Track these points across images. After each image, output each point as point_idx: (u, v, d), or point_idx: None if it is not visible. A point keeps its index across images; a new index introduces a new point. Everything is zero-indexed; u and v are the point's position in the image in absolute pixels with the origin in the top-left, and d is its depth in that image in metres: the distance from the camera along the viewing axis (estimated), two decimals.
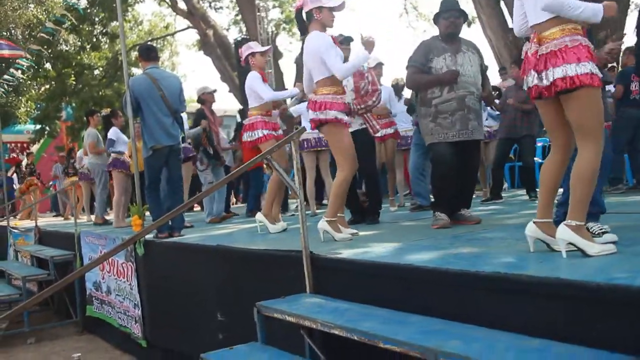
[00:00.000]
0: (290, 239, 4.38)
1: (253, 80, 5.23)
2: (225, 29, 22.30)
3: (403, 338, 2.22)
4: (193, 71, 61.06)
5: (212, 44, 19.77)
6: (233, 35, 21.93)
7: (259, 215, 5.14)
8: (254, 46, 5.50)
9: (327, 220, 3.97)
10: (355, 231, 4.09)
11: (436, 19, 4.48)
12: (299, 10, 4.21)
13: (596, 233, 2.88)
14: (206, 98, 7.43)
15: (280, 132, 5.27)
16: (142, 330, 5.72)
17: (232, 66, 18.97)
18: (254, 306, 3.17)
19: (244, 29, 20.02)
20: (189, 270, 4.83)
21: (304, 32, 4.29)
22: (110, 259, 6.65)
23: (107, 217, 8.88)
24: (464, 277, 2.44)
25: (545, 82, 2.65)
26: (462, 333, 2.21)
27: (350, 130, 4.31)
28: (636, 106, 6.63)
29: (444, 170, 4.28)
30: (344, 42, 5.16)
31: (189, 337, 4.80)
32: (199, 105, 7.56)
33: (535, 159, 9.45)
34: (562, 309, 2.08)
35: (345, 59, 4.65)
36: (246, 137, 5.27)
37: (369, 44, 4.05)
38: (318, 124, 4.08)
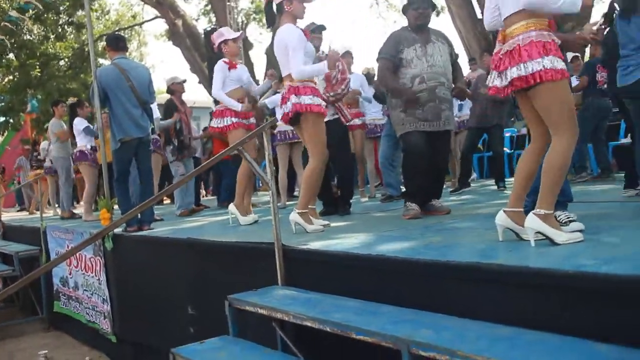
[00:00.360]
0: (262, 231, 4.35)
1: (216, 71, 5.09)
2: (194, 19, 22.00)
3: (375, 328, 2.22)
4: (162, 62, 60.18)
5: (181, 34, 19.48)
6: (202, 25, 21.64)
7: (231, 207, 5.08)
8: (226, 33, 5.30)
9: (298, 212, 3.95)
10: (327, 222, 4.08)
11: (405, 10, 4.49)
12: (268, 2, 4.16)
13: (563, 222, 2.93)
14: (175, 88, 7.34)
15: (252, 120, 5.16)
16: (111, 325, 5.64)
17: (202, 57, 18.74)
18: (225, 299, 3.14)
19: (214, 19, 19.80)
20: (159, 264, 4.77)
21: (271, 23, 4.26)
22: (78, 254, 6.52)
23: (74, 211, 8.71)
24: (434, 267, 2.46)
25: (504, 82, 2.70)
26: (433, 322, 2.22)
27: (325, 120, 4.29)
28: (601, 96, 6.75)
29: (416, 160, 4.29)
30: (316, 30, 5.15)
31: (159, 331, 4.75)
32: (168, 96, 7.46)
33: (505, 149, 9.62)
34: (532, 298, 2.11)
35: (317, 48, 4.63)
36: (214, 123, 5.16)
37: (333, 59, 4.11)
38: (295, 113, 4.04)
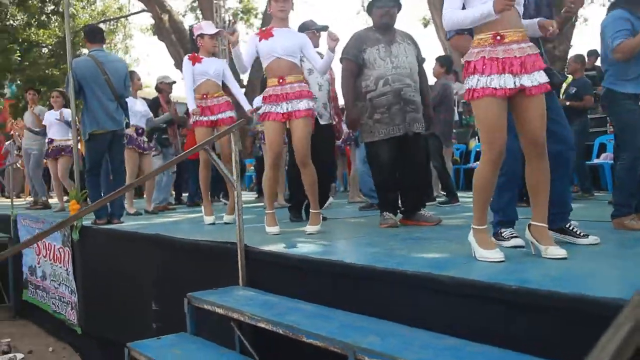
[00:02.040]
0: (229, 231, 4.38)
1: (183, 67, 5.09)
2: (181, 14, 21.88)
3: (325, 333, 2.26)
4: (147, 55, 59.73)
5: (167, 29, 19.37)
6: (189, 21, 21.55)
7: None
8: (205, 27, 5.25)
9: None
10: (277, 232, 4.06)
11: (369, 8, 4.40)
12: None
13: (506, 237, 3.02)
14: (164, 87, 7.45)
15: (222, 116, 5.05)
16: (77, 317, 5.61)
17: (187, 52, 18.64)
18: (185, 297, 3.16)
19: (201, 16, 19.73)
20: (126, 258, 4.77)
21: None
22: (47, 243, 6.48)
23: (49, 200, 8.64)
24: (388, 275, 2.50)
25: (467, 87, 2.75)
26: (382, 330, 2.26)
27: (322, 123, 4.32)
28: None
29: (382, 170, 4.25)
30: (318, 30, 5.05)
31: (123, 325, 4.74)
32: (152, 91, 7.52)
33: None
34: (479, 310, 2.16)
35: (315, 46, 4.63)
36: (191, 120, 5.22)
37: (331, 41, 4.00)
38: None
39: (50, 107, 7.98)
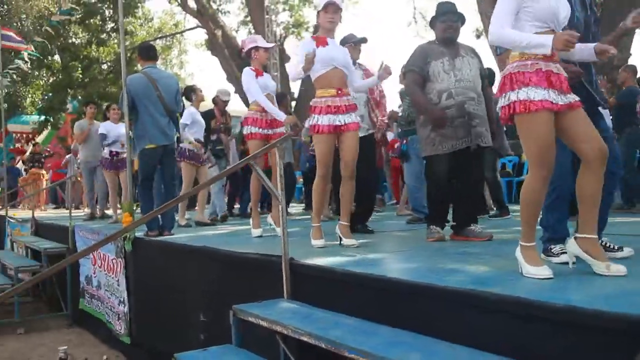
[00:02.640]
0: (275, 243, 4.42)
1: (246, 76, 5.09)
2: (234, 29, 22.38)
3: (367, 348, 2.25)
4: (201, 70, 61.30)
5: (220, 44, 19.83)
6: (241, 36, 22.00)
7: (269, 218, 5.21)
8: (259, 40, 5.34)
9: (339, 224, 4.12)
10: (323, 245, 4.07)
11: (433, 22, 4.37)
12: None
13: (556, 254, 2.95)
14: (218, 101, 7.64)
15: (280, 130, 5.05)
16: (125, 327, 5.75)
17: (239, 67, 19.01)
18: (230, 309, 3.20)
19: (253, 31, 20.09)
20: (176, 270, 4.87)
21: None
22: (102, 254, 6.70)
23: (107, 212, 8.91)
24: (431, 290, 2.47)
25: (505, 102, 2.68)
26: (425, 346, 2.24)
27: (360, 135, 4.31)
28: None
29: (440, 184, 4.18)
30: (356, 42, 5.11)
31: (172, 336, 4.83)
32: (208, 104, 7.76)
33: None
34: (523, 328, 2.11)
35: (353, 60, 4.58)
36: (244, 130, 5.22)
37: (385, 74, 4.11)
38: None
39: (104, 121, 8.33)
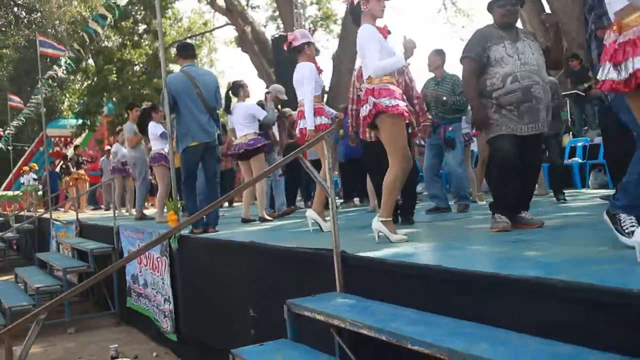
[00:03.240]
0: (322, 237, 4.41)
1: (310, 72, 5.06)
2: (262, 25, 22.45)
3: (431, 340, 2.21)
4: (231, 67, 61.86)
5: (249, 40, 19.93)
6: (270, 32, 22.06)
7: (311, 212, 5.07)
8: (310, 36, 5.32)
9: (381, 220, 3.84)
10: (405, 236, 3.87)
11: (491, 7, 4.16)
12: (352, 3, 4.06)
13: (625, 228, 2.79)
14: (273, 98, 7.59)
15: (321, 120, 5.07)
16: (172, 324, 5.82)
17: (269, 62, 19.09)
18: (284, 304, 3.19)
19: (281, 26, 20.11)
20: (223, 266, 4.90)
21: (357, 24, 4.13)
22: (147, 253, 6.79)
23: (145, 212, 9.06)
24: (493, 280, 2.41)
25: (623, 75, 2.48)
26: (490, 336, 2.18)
27: None
28: None
29: (506, 167, 3.95)
30: None
31: (221, 331, 4.88)
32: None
33: (575, 159, 9.30)
34: (594, 316, 2.04)
35: None
36: (316, 121, 5.11)
37: (409, 48, 3.89)
38: (374, 115, 3.88)
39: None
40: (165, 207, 6.63)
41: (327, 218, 4.89)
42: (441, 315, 2.57)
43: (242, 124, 6.64)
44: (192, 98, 5.46)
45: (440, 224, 5.06)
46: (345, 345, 3.02)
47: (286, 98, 7.67)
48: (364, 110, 3.95)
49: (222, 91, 6.24)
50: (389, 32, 4.62)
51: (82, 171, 14.37)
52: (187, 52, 5.74)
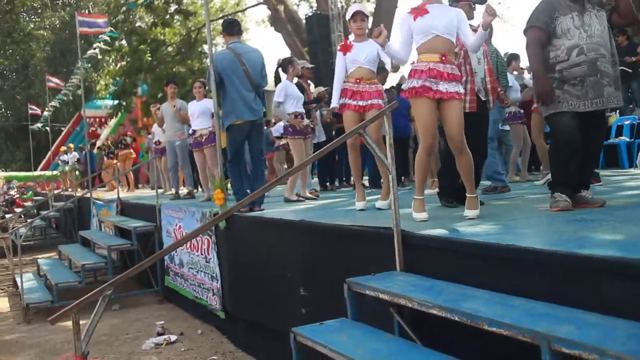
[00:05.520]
0: (373, 215, 4.34)
1: (337, 57, 5.01)
2: (295, 4, 22.24)
3: (510, 321, 2.14)
4: (262, 47, 61.84)
5: (282, 19, 19.79)
6: (303, 11, 21.86)
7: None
8: (350, 11, 5.02)
9: (414, 198, 3.87)
10: (426, 218, 3.83)
11: None
12: None
13: None
14: (304, 72, 7.53)
15: (373, 102, 4.88)
16: (220, 302, 5.85)
17: (302, 42, 18.96)
18: (345, 282, 3.14)
19: (314, 5, 19.92)
20: (271, 245, 4.88)
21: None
22: (182, 233, 6.84)
23: (180, 191, 9.03)
24: (571, 259, 2.32)
25: None
26: (573, 318, 2.10)
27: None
28: None
29: (567, 145, 3.81)
30: (476, 2, 4.65)
31: (270, 309, 4.87)
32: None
33: (622, 138, 9.04)
34: None
35: (469, 18, 4.34)
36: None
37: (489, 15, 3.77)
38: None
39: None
40: (211, 185, 6.62)
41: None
42: (512, 296, 2.49)
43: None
44: (238, 75, 5.40)
45: (495, 203, 4.91)
46: (405, 324, 2.97)
47: (312, 65, 7.60)
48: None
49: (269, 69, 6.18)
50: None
51: (131, 150, 14.45)
52: (232, 28, 5.67)
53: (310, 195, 6.80)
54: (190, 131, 7.88)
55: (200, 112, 7.71)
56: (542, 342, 1.96)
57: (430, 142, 3.83)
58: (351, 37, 5.00)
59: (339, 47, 5.10)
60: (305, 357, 3.02)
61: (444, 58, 3.82)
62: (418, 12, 3.89)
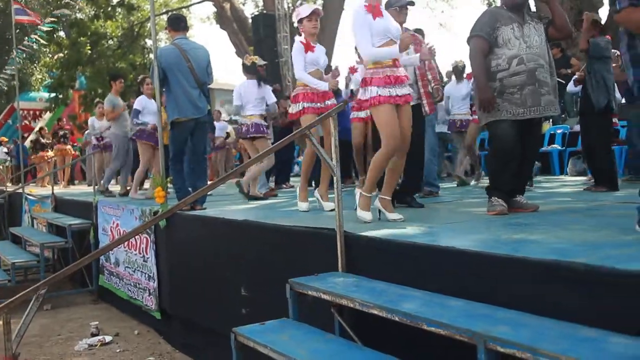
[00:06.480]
0: (317, 216, 4.36)
1: (294, 51, 4.88)
2: (242, 2, 22.10)
3: (448, 321, 2.19)
4: (207, 44, 61.15)
5: (228, 17, 19.62)
6: (249, 9, 21.74)
7: (316, 192, 5.02)
8: (302, 11, 4.98)
9: (381, 199, 3.91)
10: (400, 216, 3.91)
11: None
12: None
13: None
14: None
15: (329, 102, 4.86)
16: (156, 302, 5.73)
17: (248, 40, 18.84)
18: (287, 283, 3.14)
19: (261, 3, 19.84)
20: (212, 244, 4.81)
21: None
22: (121, 231, 6.66)
23: (110, 188, 8.76)
24: (508, 262, 2.40)
25: None
26: (508, 319, 2.17)
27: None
28: None
29: (505, 152, 3.95)
30: (402, 6, 4.68)
31: (211, 310, 4.80)
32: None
33: (554, 146, 9.42)
34: (617, 299, 2.04)
35: (400, 24, 4.34)
36: (291, 109, 5.04)
37: (403, 42, 3.87)
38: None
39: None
40: (152, 183, 6.47)
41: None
42: (449, 296, 2.55)
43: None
44: (183, 72, 5.30)
45: (433, 206, 5.02)
46: (346, 324, 3.00)
47: (265, 62, 7.64)
48: (364, 95, 3.96)
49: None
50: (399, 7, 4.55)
51: (68, 146, 13.94)
52: (179, 24, 5.57)
53: (259, 195, 6.77)
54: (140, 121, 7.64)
55: (153, 110, 7.44)
56: (479, 342, 2.02)
57: (394, 146, 3.81)
58: (300, 37, 4.92)
59: (300, 42, 4.88)
60: (246, 358, 3.00)
61: (396, 62, 3.89)
62: (375, 12, 3.91)
